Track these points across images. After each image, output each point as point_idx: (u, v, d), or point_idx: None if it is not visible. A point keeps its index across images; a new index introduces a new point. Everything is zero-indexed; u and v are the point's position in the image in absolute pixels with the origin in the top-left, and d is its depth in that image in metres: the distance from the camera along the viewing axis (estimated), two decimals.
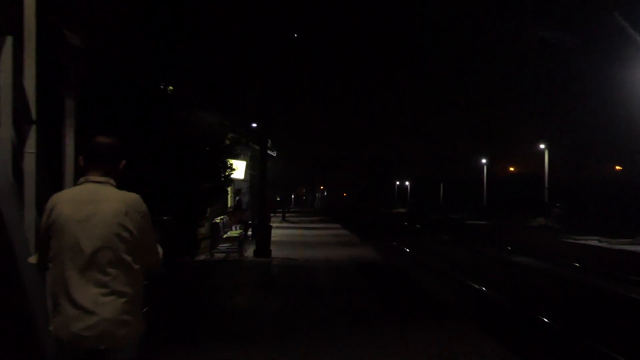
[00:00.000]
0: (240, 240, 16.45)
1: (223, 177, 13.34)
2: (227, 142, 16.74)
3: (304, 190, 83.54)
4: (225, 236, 16.67)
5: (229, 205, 21.57)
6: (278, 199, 55.23)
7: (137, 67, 9.96)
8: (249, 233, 19.50)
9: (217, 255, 15.71)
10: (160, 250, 3.05)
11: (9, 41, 4.33)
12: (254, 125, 25.28)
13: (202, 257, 15.29)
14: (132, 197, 2.87)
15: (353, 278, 12.42)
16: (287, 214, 46.01)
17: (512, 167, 61.15)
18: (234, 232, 17.49)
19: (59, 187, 4.69)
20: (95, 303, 2.67)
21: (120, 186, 2.92)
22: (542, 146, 40.56)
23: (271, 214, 22.86)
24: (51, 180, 4.80)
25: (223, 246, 16.27)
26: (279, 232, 25.85)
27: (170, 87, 11.15)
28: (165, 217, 9.84)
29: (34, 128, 4.55)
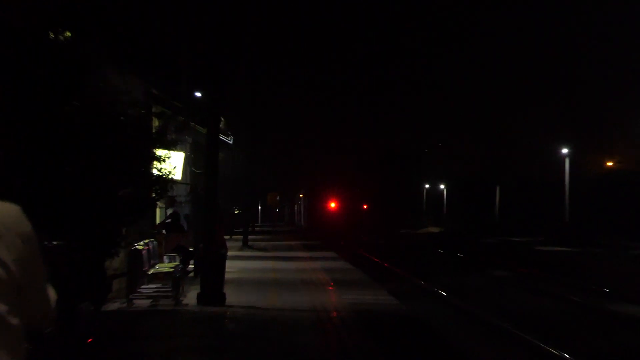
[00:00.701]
0: (176, 279, 16.42)
1: (151, 178, 13.30)
2: (155, 121, 16.70)
3: (277, 198, 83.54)
4: (152, 272, 16.63)
5: (157, 221, 21.52)
6: (237, 211, 55.28)
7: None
8: (190, 267, 19.45)
9: (139, 303, 15.68)
10: (52, 294, 3.04)
11: None
12: (198, 94, 25.30)
13: (114, 306, 15.26)
14: (9, 210, 2.86)
15: (357, 341, 12.44)
16: (250, 236, 45.99)
17: (610, 161, 61.56)
18: (166, 266, 17.43)
19: None
20: None
21: None
22: None
23: (226, 236, 22.82)
24: None
25: (148, 288, 16.21)
26: (238, 264, 25.85)
27: (68, 33, 11.13)
28: (55, 242, 9.81)
29: None
